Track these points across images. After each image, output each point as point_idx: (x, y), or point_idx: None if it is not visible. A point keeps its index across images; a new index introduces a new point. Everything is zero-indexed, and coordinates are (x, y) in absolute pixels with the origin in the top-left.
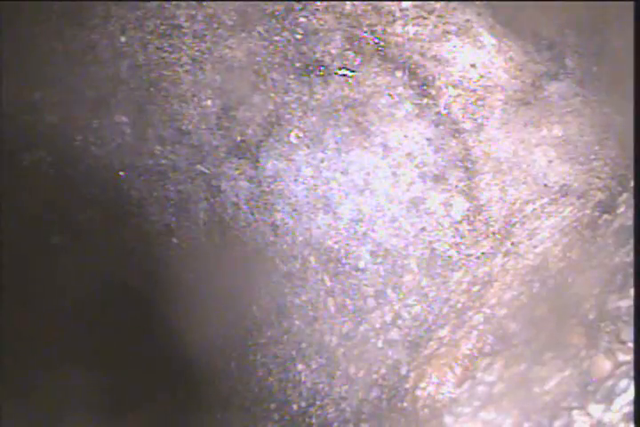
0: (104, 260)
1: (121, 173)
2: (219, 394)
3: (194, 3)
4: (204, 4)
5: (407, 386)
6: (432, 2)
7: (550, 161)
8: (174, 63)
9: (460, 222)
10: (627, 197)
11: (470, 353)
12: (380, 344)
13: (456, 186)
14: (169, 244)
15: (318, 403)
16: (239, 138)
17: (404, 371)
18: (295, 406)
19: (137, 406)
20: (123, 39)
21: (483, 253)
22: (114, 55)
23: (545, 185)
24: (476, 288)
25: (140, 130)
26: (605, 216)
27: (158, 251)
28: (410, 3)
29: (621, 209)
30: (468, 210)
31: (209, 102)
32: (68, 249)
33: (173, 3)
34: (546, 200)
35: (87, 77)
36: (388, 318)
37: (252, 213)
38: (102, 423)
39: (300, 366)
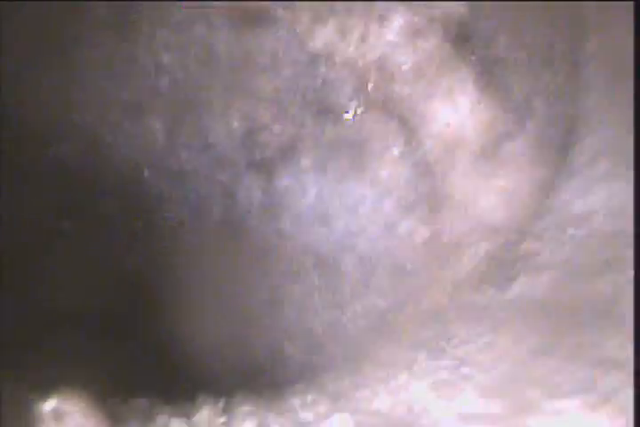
0: (114, 247)
1: (145, 172)
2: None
3: (233, 37)
4: (241, 40)
5: None
6: (426, 67)
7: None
8: (208, 88)
9: (423, 244)
10: None
11: None
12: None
13: (422, 216)
14: (181, 239)
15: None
16: (258, 157)
17: None
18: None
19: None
20: (165, 58)
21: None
22: (155, 70)
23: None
24: None
25: (170, 137)
26: None
27: (170, 245)
28: (408, 66)
29: None
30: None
31: (235, 124)
32: (79, 235)
33: (215, 33)
34: None
35: (126, 84)
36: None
37: (261, 221)
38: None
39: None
